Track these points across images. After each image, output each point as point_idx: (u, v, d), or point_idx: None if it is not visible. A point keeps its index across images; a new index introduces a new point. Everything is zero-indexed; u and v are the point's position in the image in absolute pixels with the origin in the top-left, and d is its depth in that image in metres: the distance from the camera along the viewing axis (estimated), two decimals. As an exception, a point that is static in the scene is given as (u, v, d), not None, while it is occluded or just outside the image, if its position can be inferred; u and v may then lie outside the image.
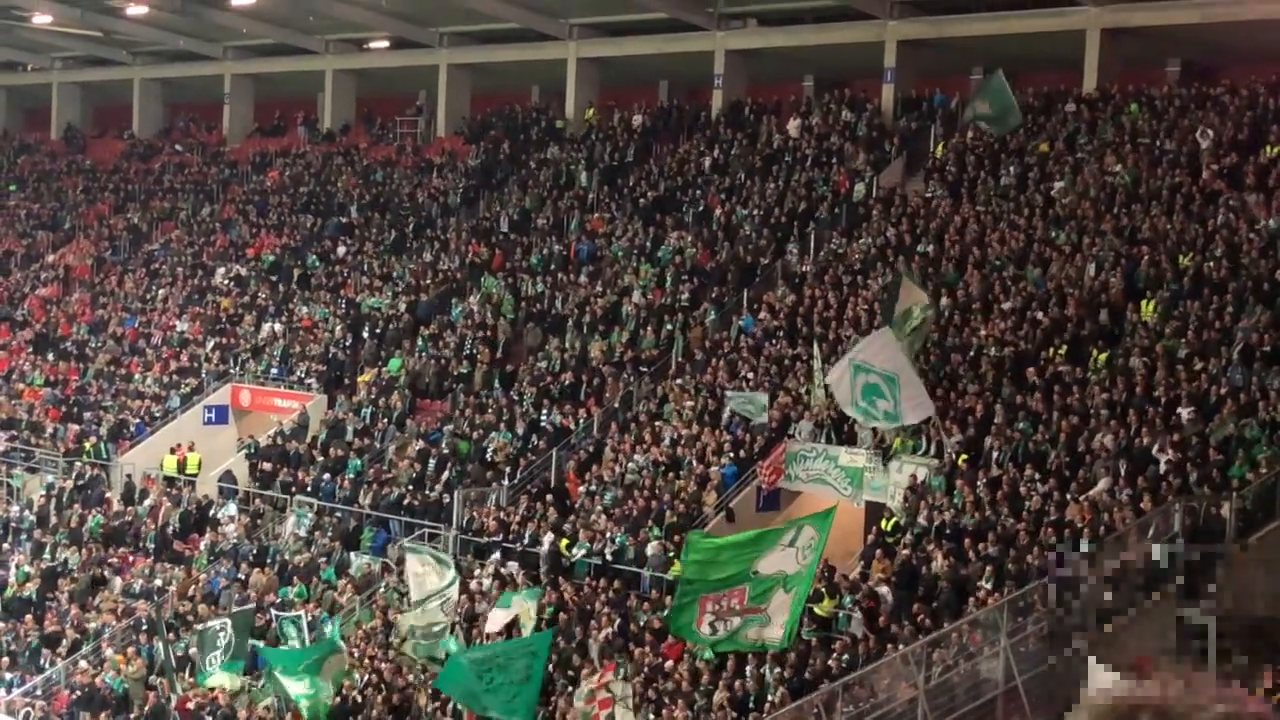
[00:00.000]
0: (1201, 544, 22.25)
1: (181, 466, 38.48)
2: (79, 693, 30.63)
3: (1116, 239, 30.52)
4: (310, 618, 29.37)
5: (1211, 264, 28.47)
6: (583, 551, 28.95)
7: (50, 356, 45.85)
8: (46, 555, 36.29)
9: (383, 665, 27.57)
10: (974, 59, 39.11)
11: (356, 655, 28.30)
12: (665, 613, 22.25)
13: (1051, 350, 28.12)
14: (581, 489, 31.00)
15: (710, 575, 20.37)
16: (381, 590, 31.09)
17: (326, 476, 35.44)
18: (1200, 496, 23.09)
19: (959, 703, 21.70)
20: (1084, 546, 22.90)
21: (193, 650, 28.90)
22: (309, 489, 35.37)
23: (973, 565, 23.96)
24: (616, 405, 33.48)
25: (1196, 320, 27.18)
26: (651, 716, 23.82)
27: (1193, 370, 25.99)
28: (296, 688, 24.81)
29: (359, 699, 26.81)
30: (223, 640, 26.65)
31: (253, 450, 37.67)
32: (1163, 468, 24.02)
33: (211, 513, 36.25)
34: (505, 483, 32.48)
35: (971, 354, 28.93)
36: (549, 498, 31.04)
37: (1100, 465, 24.78)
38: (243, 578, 32.82)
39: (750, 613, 20.25)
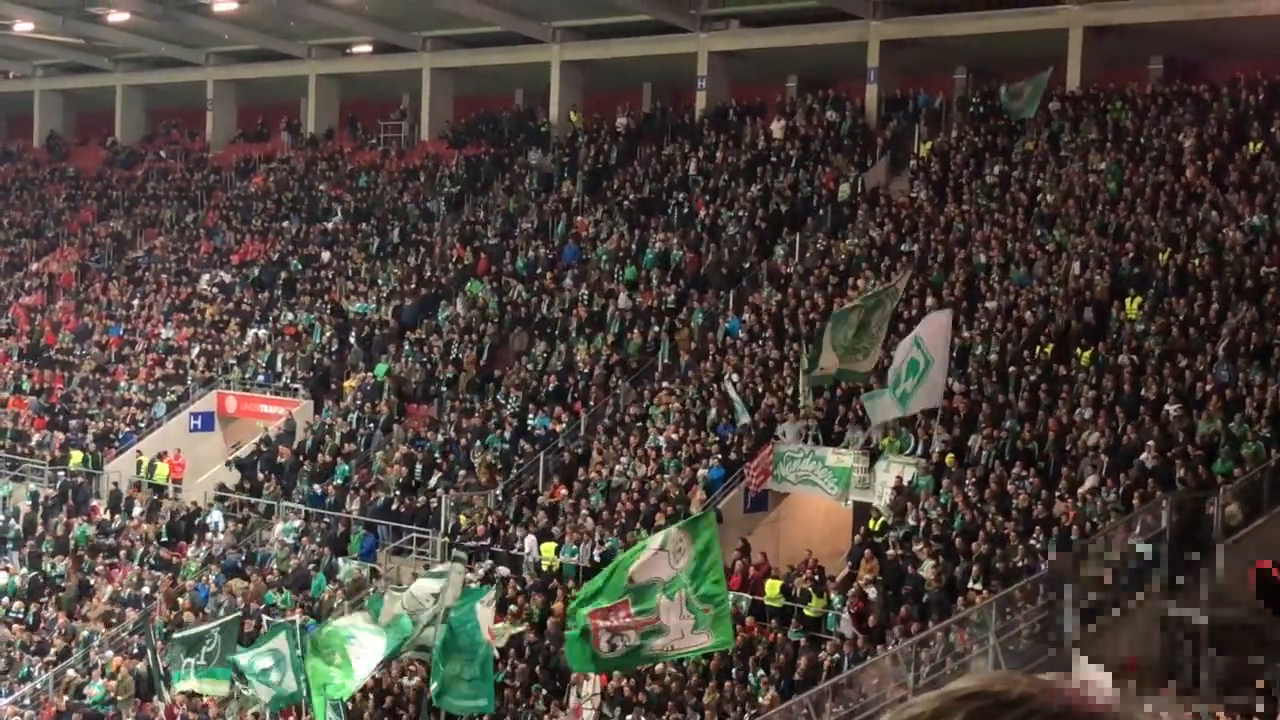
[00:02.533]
0: (1188, 541, 22.30)
1: (159, 472, 38.41)
2: (68, 705, 30.54)
3: (1100, 237, 30.58)
4: (301, 622, 29.26)
5: (1196, 261, 28.53)
6: (572, 556, 28.92)
7: (34, 364, 45.70)
8: (30, 565, 36.20)
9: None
10: (957, 58, 39.16)
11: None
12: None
13: (1038, 349, 28.16)
14: (564, 492, 30.95)
15: (588, 591, 20.38)
16: (370, 594, 30.99)
17: (308, 470, 35.39)
18: (1187, 493, 23.14)
19: (948, 702, 21.68)
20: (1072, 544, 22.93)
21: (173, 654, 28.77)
22: (297, 495, 35.31)
23: (961, 564, 23.99)
24: (604, 409, 33.44)
25: (1181, 317, 27.24)
26: (642, 719, 23.82)
27: (1178, 367, 26.05)
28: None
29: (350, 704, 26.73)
30: (206, 647, 26.44)
31: (234, 465, 37.45)
32: (1149, 465, 24.06)
33: (199, 520, 36.19)
34: (497, 487, 32.43)
35: (957, 354, 28.94)
36: (538, 501, 31.02)
37: (1087, 463, 24.83)
38: (231, 585, 32.74)
39: (644, 624, 19.80)
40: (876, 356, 27.04)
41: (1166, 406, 25.20)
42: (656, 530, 28.17)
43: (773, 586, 25.82)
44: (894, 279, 28.60)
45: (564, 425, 33.23)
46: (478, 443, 33.78)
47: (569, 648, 20.94)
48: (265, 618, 29.69)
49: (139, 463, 38.56)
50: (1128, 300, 28.46)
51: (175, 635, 27.57)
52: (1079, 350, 27.69)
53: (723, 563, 20.67)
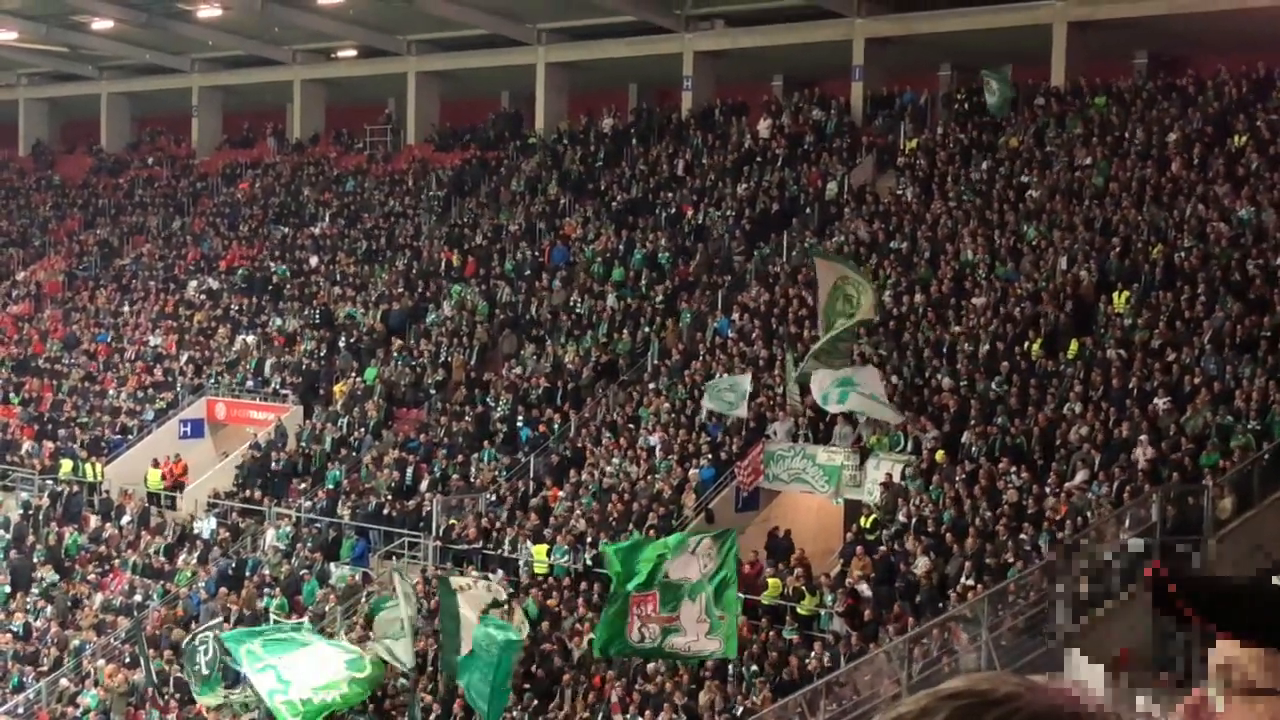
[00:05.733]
0: (1180, 534, 22.36)
1: (152, 478, 38.37)
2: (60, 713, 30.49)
3: (1087, 232, 30.66)
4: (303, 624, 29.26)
5: (1182, 254, 28.60)
6: (563, 557, 28.93)
7: (23, 374, 45.59)
8: (20, 574, 36.12)
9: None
10: (942, 55, 39.24)
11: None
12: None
13: (1026, 344, 28.21)
14: (560, 494, 30.95)
15: (631, 581, 20.92)
16: (363, 600, 31.01)
17: (305, 487, 35.36)
18: (1178, 487, 23.19)
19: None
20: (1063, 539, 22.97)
21: (179, 667, 28.72)
22: (288, 500, 35.28)
23: (953, 560, 24.02)
24: (593, 409, 33.44)
25: (1169, 311, 27.30)
26: (639, 718, 23.81)
27: (1166, 361, 26.11)
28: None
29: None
30: (202, 658, 26.37)
31: (243, 471, 37.26)
32: (1138, 459, 24.12)
33: (192, 529, 36.13)
34: (488, 491, 32.42)
35: (946, 350, 28.99)
36: (531, 503, 31.00)
37: (1077, 458, 24.87)
38: (224, 591, 32.68)
39: (666, 621, 20.77)
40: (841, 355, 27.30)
41: (1156, 400, 25.25)
42: (657, 532, 28.30)
43: (775, 585, 25.80)
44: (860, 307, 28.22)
45: (554, 427, 33.22)
46: (474, 455, 33.67)
47: (601, 627, 21.55)
48: (274, 617, 29.63)
49: (165, 474, 38.31)
50: (1115, 294, 28.52)
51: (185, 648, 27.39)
52: (1068, 345, 27.74)
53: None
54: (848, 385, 26.00)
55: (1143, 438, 24.47)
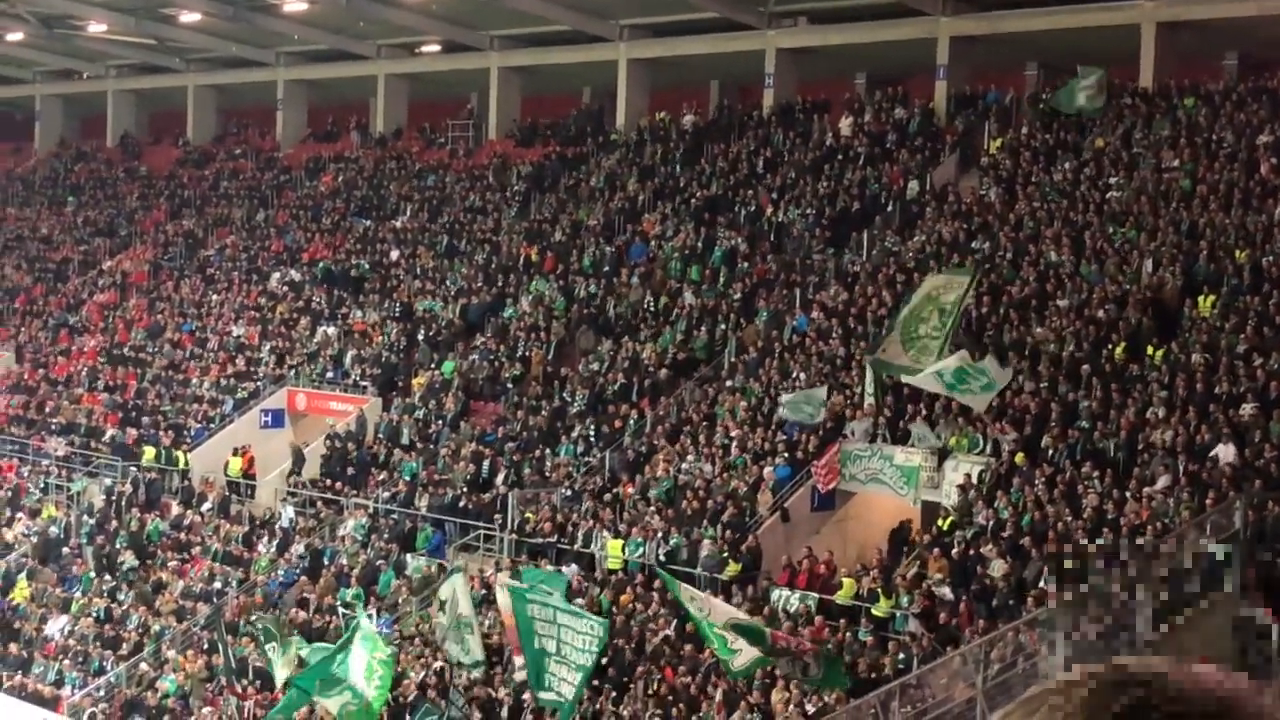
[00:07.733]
0: (1262, 541, 22.02)
1: (233, 466, 38.77)
2: (134, 697, 30.91)
3: (1174, 234, 30.25)
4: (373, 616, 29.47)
5: (1269, 259, 28.16)
6: (638, 552, 28.97)
7: (108, 362, 46.25)
8: (103, 560, 36.65)
9: (437, 664, 27.65)
10: (1027, 54, 38.86)
11: (413, 654, 28.41)
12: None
13: (1110, 347, 27.88)
14: (631, 490, 30.98)
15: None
16: (439, 591, 31.18)
17: (383, 478, 35.63)
18: (1261, 493, 22.83)
19: (1018, 703, 21.50)
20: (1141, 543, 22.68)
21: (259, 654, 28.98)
22: (366, 491, 35.56)
23: (1030, 564, 23.80)
24: (669, 406, 33.42)
25: (1256, 315, 26.89)
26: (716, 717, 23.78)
27: (1252, 366, 25.72)
28: (335, 701, 24.35)
29: (411, 698, 26.90)
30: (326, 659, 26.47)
31: (323, 461, 37.50)
32: (1223, 464, 23.78)
33: (269, 517, 36.52)
34: (564, 485, 32.51)
35: (1028, 352, 28.71)
36: (605, 498, 31.06)
37: (1159, 462, 24.55)
38: (303, 580, 33.00)
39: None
40: (934, 354, 26.50)
41: (1244, 406, 24.88)
42: (708, 535, 28.30)
43: (849, 586, 25.70)
44: (958, 275, 27.94)
45: (630, 423, 33.25)
46: (548, 450, 33.75)
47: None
48: (343, 610, 29.87)
49: (246, 463, 38.65)
50: (1200, 298, 28.13)
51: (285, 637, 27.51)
52: (1151, 349, 27.39)
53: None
54: (975, 377, 25.12)
55: (1226, 443, 24.12)
